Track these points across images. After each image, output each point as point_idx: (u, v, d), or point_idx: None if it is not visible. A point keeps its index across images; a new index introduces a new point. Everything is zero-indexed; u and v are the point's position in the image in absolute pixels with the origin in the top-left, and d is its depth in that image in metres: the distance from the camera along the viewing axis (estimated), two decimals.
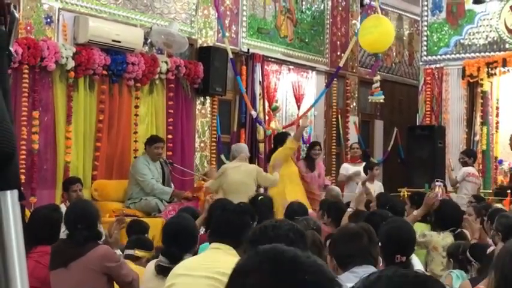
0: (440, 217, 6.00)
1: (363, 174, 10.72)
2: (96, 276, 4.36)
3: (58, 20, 8.59)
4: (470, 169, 11.18)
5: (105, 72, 8.91)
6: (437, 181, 9.19)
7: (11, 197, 1.38)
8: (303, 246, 2.46)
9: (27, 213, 5.75)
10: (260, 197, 6.45)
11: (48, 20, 8.47)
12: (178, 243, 4.28)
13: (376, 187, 10.39)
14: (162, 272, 4.13)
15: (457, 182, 11.14)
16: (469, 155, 11.39)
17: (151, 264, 4.43)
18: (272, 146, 10.41)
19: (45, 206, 5.52)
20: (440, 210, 6.11)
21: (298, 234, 2.50)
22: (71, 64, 8.45)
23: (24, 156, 8.01)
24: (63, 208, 7.05)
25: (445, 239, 5.62)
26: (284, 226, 2.53)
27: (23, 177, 7.96)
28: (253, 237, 2.52)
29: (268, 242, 2.42)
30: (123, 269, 4.47)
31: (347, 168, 11.58)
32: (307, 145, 11.45)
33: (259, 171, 8.55)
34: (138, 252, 5.30)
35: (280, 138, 9.80)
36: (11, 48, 1.47)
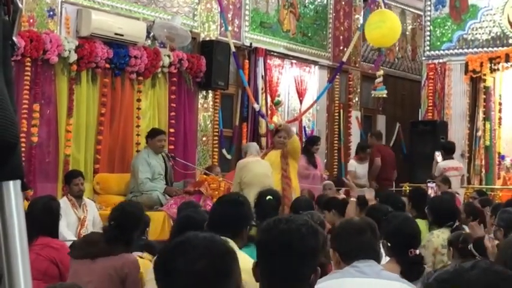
0: (436, 214, 5.99)
1: None
2: (115, 280, 4.35)
3: (61, 13, 8.58)
4: (445, 163, 11.07)
5: (107, 65, 8.90)
6: (428, 182, 9.20)
7: (13, 187, 1.37)
8: (314, 242, 2.46)
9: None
10: (268, 197, 6.37)
11: (51, 12, 8.46)
12: None
13: None
14: None
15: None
16: (446, 149, 11.31)
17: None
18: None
19: (43, 196, 5.55)
20: (435, 207, 6.09)
21: (311, 229, 2.49)
22: (74, 57, 8.44)
23: (24, 149, 8.01)
24: (64, 201, 7.11)
25: (442, 235, 5.59)
26: (297, 221, 2.52)
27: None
28: (266, 228, 2.52)
29: (279, 235, 2.44)
30: (136, 286, 4.45)
31: (355, 166, 11.55)
32: (307, 139, 11.39)
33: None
34: (146, 255, 5.31)
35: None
36: (14, 38, 1.46)
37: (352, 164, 11.58)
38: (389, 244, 3.87)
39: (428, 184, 9.42)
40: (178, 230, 4.41)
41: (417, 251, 3.92)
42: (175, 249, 1.83)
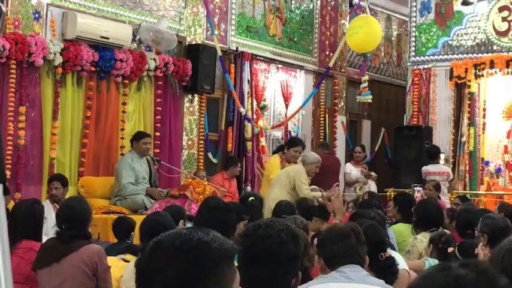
0: (422, 218, 6.01)
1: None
2: (87, 272, 4.36)
3: (46, 15, 8.55)
4: (426, 168, 11.09)
5: (93, 68, 8.87)
6: (415, 186, 9.23)
7: None
8: (294, 247, 2.46)
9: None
10: (250, 198, 6.41)
11: (37, 15, 8.43)
12: None
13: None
14: None
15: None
16: (428, 154, 11.38)
17: (131, 264, 4.42)
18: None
19: (27, 199, 5.52)
20: (421, 210, 6.12)
21: (291, 234, 2.49)
22: (59, 60, 8.41)
23: (10, 152, 7.98)
24: (47, 204, 7.07)
25: (425, 240, 5.61)
26: (277, 226, 2.52)
27: (8, 172, 7.93)
28: (245, 234, 2.52)
29: (259, 240, 2.43)
30: (107, 275, 4.46)
31: (351, 169, 11.65)
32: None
33: (297, 177, 8.45)
34: (128, 257, 5.29)
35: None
36: None
37: (348, 167, 11.72)
38: None
39: (415, 188, 9.44)
40: (145, 234, 4.41)
41: (387, 254, 3.92)
42: (148, 256, 1.69)
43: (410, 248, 5.72)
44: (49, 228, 6.46)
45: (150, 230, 4.37)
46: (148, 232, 4.37)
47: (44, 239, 4.97)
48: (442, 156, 11.80)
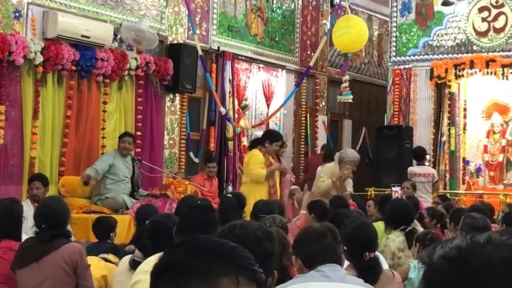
0: (392, 216, 6.06)
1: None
2: (67, 270, 4.35)
3: (27, 14, 8.52)
4: (412, 169, 11.07)
5: (73, 67, 8.84)
6: (393, 186, 9.28)
7: None
8: (270, 245, 2.49)
9: None
10: (227, 195, 6.39)
11: (17, 14, 8.39)
12: (158, 242, 4.24)
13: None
14: (136, 267, 4.09)
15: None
16: (414, 155, 11.38)
17: (126, 259, 4.41)
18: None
19: (5, 198, 5.50)
20: (391, 208, 6.17)
21: (267, 233, 2.53)
22: (40, 59, 8.38)
23: None
24: (27, 204, 7.04)
25: (397, 239, 5.67)
26: (253, 225, 2.56)
27: None
28: (222, 233, 2.53)
29: (235, 239, 2.44)
30: (87, 272, 4.45)
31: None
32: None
33: (321, 173, 8.72)
34: (111, 257, 5.29)
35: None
36: None
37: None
38: (345, 248, 3.92)
39: (393, 188, 9.49)
40: (148, 233, 4.39)
41: (372, 254, 3.94)
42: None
43: (383, 248, 5.78)
44: (28, 228, 6.45)
45: (154, 229, 4.34)
46: (152, 231, 4.33)
47: (24, 238, 4.96)
48: (428, 157, 11.82)
